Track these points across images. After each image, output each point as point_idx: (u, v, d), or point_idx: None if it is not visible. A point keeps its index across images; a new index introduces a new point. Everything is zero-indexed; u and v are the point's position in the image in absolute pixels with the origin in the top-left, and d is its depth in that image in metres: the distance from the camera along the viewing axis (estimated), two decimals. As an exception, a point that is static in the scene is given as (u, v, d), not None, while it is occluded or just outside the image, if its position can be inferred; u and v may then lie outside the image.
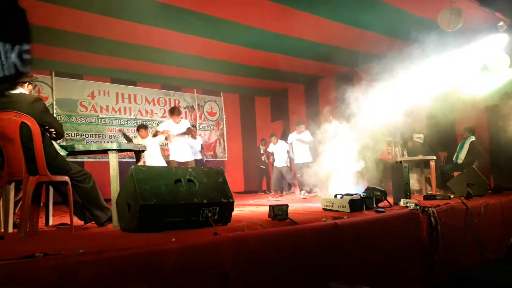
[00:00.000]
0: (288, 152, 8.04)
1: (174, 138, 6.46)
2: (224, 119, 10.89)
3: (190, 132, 6.79)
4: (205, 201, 2.89)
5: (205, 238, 2.43)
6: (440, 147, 7.36)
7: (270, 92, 11.31)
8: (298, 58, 8.04)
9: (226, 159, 10.72)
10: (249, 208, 5.02)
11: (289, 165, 8.07)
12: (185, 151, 6.50)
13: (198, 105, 10.37)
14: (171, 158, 6.49)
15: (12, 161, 2.89)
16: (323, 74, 9.59)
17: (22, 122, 2.80)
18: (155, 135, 6.56)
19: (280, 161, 7.90)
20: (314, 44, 7.28)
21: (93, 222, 3.37)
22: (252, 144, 11.06)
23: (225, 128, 10.87)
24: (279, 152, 7.97)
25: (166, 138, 6.96)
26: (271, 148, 8.13)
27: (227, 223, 3.04)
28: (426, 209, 3.67)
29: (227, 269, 2.31)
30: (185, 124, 6.63)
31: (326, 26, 6.39)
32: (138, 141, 7.29)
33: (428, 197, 4.91)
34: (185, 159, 6.45)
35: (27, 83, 3.10)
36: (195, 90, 10.37)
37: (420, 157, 6.51)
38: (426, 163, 6.67)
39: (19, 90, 3.00)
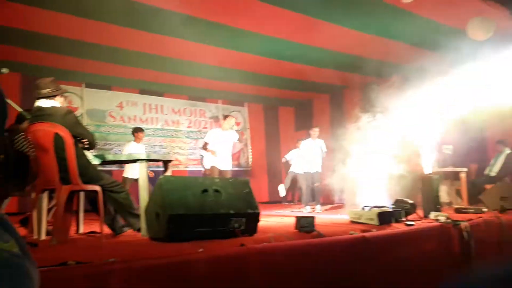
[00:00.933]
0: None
1: (219, 146, 6.43)
2: (248, 129, 10.93)
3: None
4: (231, 212, 2.90)
5: (232, 249, 2.43)
6: (470, 159, 7.15)
7: (294, 102, 11.29)
8: (323, 68, 8.01)
9: (250, 168, 10.73)
10: (275, 219, 5.00)
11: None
12: (228, 159, 6.52)
13: (223, 115, 10.45)
14: (212, 165, 6.42)
15: (46, 170, 2.98)
16: (349, 84, 9.51)
17: (56, 133, 2.90)
18: (204, 148, 6.59)
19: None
20: (340, 55, 7.25)
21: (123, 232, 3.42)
22: (276, 154, 11.04)
23: (249, 138, 10.90)
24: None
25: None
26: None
27: (253, 234, 3.03)
28: (458, 222, 3.56)
29: (255, 281, 2.30)
30: (233, 134, 6.63)
31: (352, 36, 6.36)
32: (129, 147, 7.19)
33: (459, 210, 4.76)
34: (226, 167, 6.47)
35: (58, 95, 3.21)
36: (219, 100, 10.48)
37: (450, 168, 6.34)
38: (456, 175, 6.49)
39: (51, 103, 3.11)
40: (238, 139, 6.74)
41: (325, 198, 10.24)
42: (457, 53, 5.57)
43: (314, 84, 9.32)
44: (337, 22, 5.87)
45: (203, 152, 8.03)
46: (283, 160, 9.59)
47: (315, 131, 7.47)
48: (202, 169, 8.08)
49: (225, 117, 6.75)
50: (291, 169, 7.92)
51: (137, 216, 3.38)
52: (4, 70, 2.97)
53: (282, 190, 8.29)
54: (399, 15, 5.62)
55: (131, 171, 6.72)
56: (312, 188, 7.16)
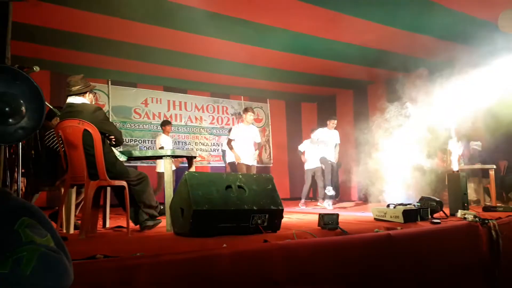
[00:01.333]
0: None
1: (244, 141, 6.45)
2: (270, 126, 10.93)
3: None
4: (255, 208, 2.91)
5: (256, 245, 2.44)
6: (500, 155, 6.93)
7: (317, 98, 11.21)
8: (347, 63, 7.91)
9: (271, 165, 10.73)
10: (297, 216, 4.99)
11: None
12: (253, 155, 6.53)
13: (243, 109, 10.48)
14: (240, 161, 6.42)
15: (75, 166, 3.07)
16: (373, 79, 9.36)
17: (85, 130, 2.98)
18: (229, 145, 6.61)
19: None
20: (364, 49, 7.13)
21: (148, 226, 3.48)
22: (297, 150, 10.99)
23: (271, 134, 10.90)
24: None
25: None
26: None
27: (277, 230, 3.04)
28: (486, 221, 3.46)
29: (278, 278, 2.31)
30: (255, 130, 6.63)
31: (377, 31, 6.25)
32: (161, 139, 7.53)
33: (487, 208, 4.64)
34: (253, 163, 6.48)
35: (88, 92, 3.29)
36: (242, 97, 10.50)
37: (478, 165, 6.17)
38: (485, 173, 6.31)
39: (81, 100, 3.19)
40: (260, 138, 6.72)
41: (346, 195, 10.18)
42: (487, 46, 5.40)
43: (337, 79, 9.22)
44: (363, 16, 5.77)
45: (224, 146, 8.11)
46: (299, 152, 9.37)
47: (332, 122, 7.42)
48: (223, 164, 8.12)
49: (245, 110, 6.69)
50: (307, 167, 7.76)
51: (155, 208, 3.43)
52: (36, 68, 3.06)
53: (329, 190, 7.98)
54: (427, 8, 5.48)
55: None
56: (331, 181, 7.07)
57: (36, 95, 1.01)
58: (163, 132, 7.64)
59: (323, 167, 7.23)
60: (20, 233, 0.94)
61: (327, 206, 6.86)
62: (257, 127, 10.48)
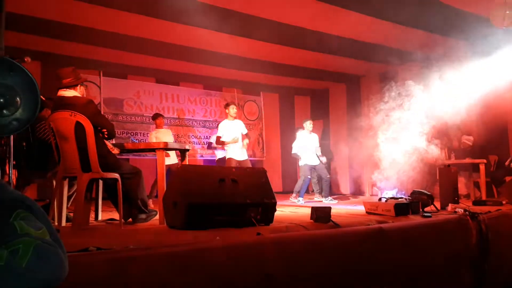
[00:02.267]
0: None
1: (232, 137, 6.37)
2: (263, 119, 10.92)
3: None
4: (248, 201, 2.92)
5: (249, 238, 2.46)
6: (490, 150, 7.01)
7: (310, 91, 11.21)
8: (340, 56, 7.91)
9: (264, 158, 10.74)
10: (290, 209, 5.02)
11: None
12: (243, 150, 6.50)
13: (238, 104, 10.44)
14: (229, 156, 6.37)
15: (67, 158, 3.05)
16: (366, 73, 9.40)
17: (77, 122, 2.95)
18: (220, 143, 6.53)
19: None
20: (357, 43, 7.14)
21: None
22: (291, 143, 11.01)
23: (264, 128, 10.90)
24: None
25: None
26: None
27: (269, 223, 3.06)
28: (476, 215, 3.51)
29: (270, 270, 2.32)
30: (240, 123, 6.57)
31: (370, 24, 6.24)
32: (154, 134, 7.31)
33: (477, 202, 4.70)
34: (244, 157, 6.45)
35: (79, 85, 3.26)
36: (235, 90, 10.46)
37: (468, 160, 6.24)
38: (475, 167, 6.38)
39: (72, 93, 3.16)
40: (246, 133, 6.65)
41: (336, 188, 10.25)
42: (479, 41, 5.43)
43: (330, 73, 9.23)
44: (356, 9, 5.76)
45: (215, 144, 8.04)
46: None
47: (309, 124, 7.37)
48: (216, 157, 8.10)
49: (227, 105, 6.57)
50: (304, 162, 7.62)
51: (145, 204, 3.43)
52: (27, 60, 3.03)
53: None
54: (420, 2, 5.50)
55: (234, 153, 6.49)
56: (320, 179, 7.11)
57: (31, 87, 1.01)
58: (156, 127, 7.44)
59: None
60: (15, 225, 0.95)
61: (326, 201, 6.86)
62: (250, 120, 10.53)
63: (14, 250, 0.88)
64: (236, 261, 2.25)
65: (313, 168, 7.16)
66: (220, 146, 6.75)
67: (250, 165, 6.39)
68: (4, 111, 0.98)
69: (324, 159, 7.44)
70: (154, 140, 7.03)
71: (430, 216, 3.49)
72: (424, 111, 5.55)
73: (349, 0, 5.48)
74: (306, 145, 7.23)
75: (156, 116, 7.49)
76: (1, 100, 0.98)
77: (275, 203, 3.08)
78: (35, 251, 0.90)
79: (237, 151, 6.34)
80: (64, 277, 0.95)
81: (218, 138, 6.44)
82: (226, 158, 6.43)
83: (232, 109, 6.40)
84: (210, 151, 9.55)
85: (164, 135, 7.18)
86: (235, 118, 6.47)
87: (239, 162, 6.26)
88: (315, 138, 7.41)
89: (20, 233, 0.93)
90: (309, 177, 7.14)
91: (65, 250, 1.02)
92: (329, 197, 6.84)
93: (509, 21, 4.98)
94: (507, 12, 4.95)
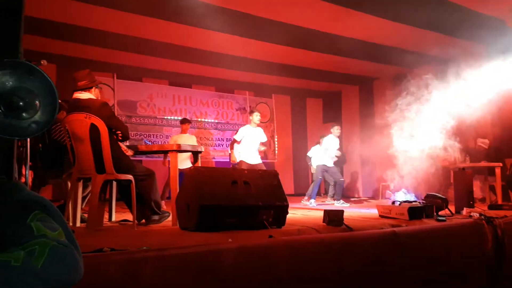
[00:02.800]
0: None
1: (251, 143, 6.43)
2: (275, 121, 10.92)
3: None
4: (260, 204, 2.92)
5: (261, 240, 2.45)
6: (507, 153, 6.89)
7: (322, 93, 11.17)
8: (353, 59, 7.88)
9: (276, 160, 10.73)
10: (302, 212, 5.00)
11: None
12: (257, 153, 6.51)
13: (250, 106, 10.47)
14: (240, 159, 6.41)
15: (82, 160, 3.09)
16: (379, 76, 9.33)
17: (92, 124, 2.99)
18: (232, 145, 6.58)
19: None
20: (370, 45, 7.10)
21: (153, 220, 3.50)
22: (302, 146, 11.00)
23: (275, 130, 10.89)
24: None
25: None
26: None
27: (281, 226, 3.05)
28: (492, 219, 3.45)
29: (282, 273, 2.32)
30: (260, 131, 6.61)
31: (385, 26, 6.21)
32: (175, 138, 7.32)
33: (493, 206, 4.62)
34: (257, 161, 6.48)
35: (94, 87, 3.30)
36: (247, 92, 10.49)
37: (484, 163, 6.14)
38: (491, 170, 6.27)
39: (87, 96, 3.21)
40: (265, 137, 6.69)
41: (351, 191, 10.18)
42: (495, 43, 5.35)
43: (343, 75, 9.19)
44: (370, 11, 5.73)
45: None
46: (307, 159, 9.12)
47: (336, 130, 7.32)
48: (228, 159, 8.11)
49: (251, 112, 6.67)
50: (317, 163, 7.54)
51: (159, 206, 3.45)
52: (43, 62, 3.08)
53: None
54: (435, 4, 5.45)
55: (247, 156, 6.54)
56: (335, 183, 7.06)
57: (50, 90, 1.03)
58: (181, 132, 7.41)
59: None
60: (32, 226, 0.96)
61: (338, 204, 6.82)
62: (262, 122, 10.52)
63: (30, 251, 0.89)
64: (248, 263, 2.25)
65: (325, 170, 7.12)
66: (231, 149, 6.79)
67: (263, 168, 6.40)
68: (24, 114, 1.01)
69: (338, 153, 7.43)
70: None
71: (444, 220, 3.44)
72: (439, 114, 5.49)
73: (362, 2, 5.46)
74: (330, 148, 7.21)
75: (184, 121, 7.39)
76: (21, 103, 1.00)
77: (287, 206, 3.07)
78: (51, 252, 0.91)
79: (250, 155, 6.37)
80: (79, 278, 0.96)
81: (234, 141, 6.50)
82: (238, 160, 6.45)
83: (256, 116, 6.46)
84: (221, 153, 9.59)
85: (186, 141, 7.04)
86: (257, 125, 6.51)
87: (251, 165, 6.29)
88: (337, 142, 7.36)
89: (37, 234, 0.94)
90: (320, 177, 7.10)
91: (80, 251, 1.03)
92: (341, 200, 6.79)
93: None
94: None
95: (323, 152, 7.20)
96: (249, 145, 6.38)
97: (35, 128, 1.01)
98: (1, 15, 1.76)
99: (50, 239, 0.94)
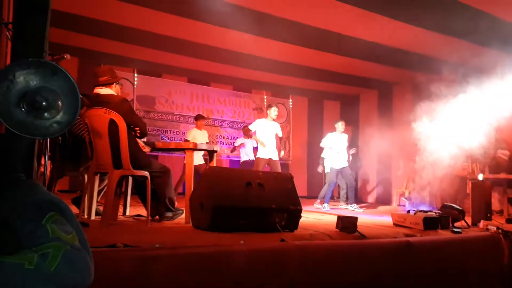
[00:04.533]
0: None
1: (267, 136, 6.45)
2: (291, 122, 10.88)
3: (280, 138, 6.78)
4: (273, 206, 2.92)
5: (273, 243, 2.45)
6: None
7: (340, 96, 11.08)
8: (373, 63, 7.78)
9: (290, 161, 10.70)
10: (314, 215, 4.98)
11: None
12: (274, 147, 6.48)
13: (267, 106, 10.47)
14: (258, 156, 6.44)
15: (99, 154, 3.13)
16: (399, 81, 9.19)
17: (111, 119, 3.03)
18: (248, 135, 6.64)
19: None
20: (391, 49, 6.99)
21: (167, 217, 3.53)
22: (318, 148, 10.91)
23: (291, 131, 10.86)
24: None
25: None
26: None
27: (294, 230, 3.04)
28: (509, 233, 3.37)
29: (294, 277, 2.31)
30: (277, 125, 6.62)
31: (406, 31, 6.11)
32: (193, 133, 7.53)
33: (511, 220, 4.51)
34: (276, 157, 6.46)
35: (114, 83, 3.34)
36: (264, 92, 10.48)
37: (503, 175, 6.00)
38: (510, 182, 6.13)
39: (108, 91, 3.25)
40: (281, 132, 6.72)
41: (365, 197, 10.08)
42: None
43: (362, 78, 9.08)
44: (392, 15, 5.65)
45: (241, 140, 8.10)
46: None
47: (341, 125, 7.22)
48: (240, 159, 8.13)
49: (269, 106, 6.71)
50: (332, 166, 7.43)
51: (173, 203, 3.48)
52: (66, 56, 3.14)
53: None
54: (459, 10, 5.32)
55: (265, 152, 6.57)
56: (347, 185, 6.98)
57: (73, 91, 1.04)
58: (196, 127, 7.67)
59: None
60: (48, 228, 0.97)
61: (352, 208, 6.73)
62: (278, 122, 10.49)
63: (44, 254, 0.90)
64: (259, 266, 2.25)
65: (339, 173, 7.04)
66: (244, 138, 6.75)
67: (279, 167, 6.38)
68: (46, 114, 1.02)
69: (352, 151, 7.34)
70: (191, 137, 7.38)
71: (460, 232, 3.38)
72: (459, 123, 5.39)
73: (385, 6, 5.38)
74: (335, 146, 7.12)
75: (198, 117, 7.69)
76: (44, 103, 1.01)
77: (300, 210, 3.06)
78: (64, 256, 0.92)
79: (269, 151, 6.35)
80: (90, 283, 0.97)
81: (248, 129, 6.50)
82: (256, 157, 6.46)
83: (274, 111, 6.52)
84: (236, 152, 9.60)
85: (201, 136, 7.49)
86: (274, 120, 6.50)
87: (268, 161, 6.26)
88: (344, 139, 7.26)
89: (52, 236, 0.95)
90: (335, 181, 7.03)
91: (91, 254, 1.04)
92: (354, 204, 6.73)
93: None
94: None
95: (333, 153, 7.12)
96: (266, 139, 6.36)
97: (57, 128, 1.02)
98: (27, 14, 1.80)
99: (64, 243, 0.95)
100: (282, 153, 6.67)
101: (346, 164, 7.02)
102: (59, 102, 1.02)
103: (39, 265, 0.88)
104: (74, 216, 1.09)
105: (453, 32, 6.08)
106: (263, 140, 6.35)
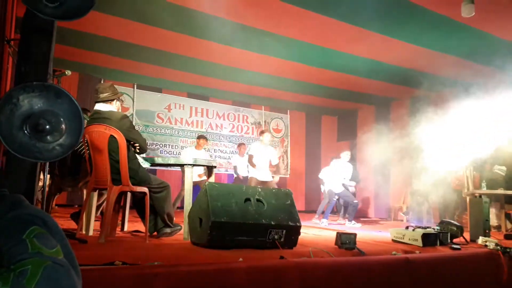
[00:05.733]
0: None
1: (260, 160, 6.47)
2: (289, 136, 10.92)
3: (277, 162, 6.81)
4: (272, 223, 2.92)
5: (272, 261, 2.44)
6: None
7: (338, 111, 11.16)
8: (371, 79, 7.87)
9: (288, 176, 10.71)
10: (313, 231, 4.96)
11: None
12: (267, 170, 6.54)
13: (265, 121, 10.52)
14: (251, 175, 6.47)
15: (99, 170, 3.14)
16: (396, 96, 9.28)
17: (111, 135, 3.05)
18: (250, 161, 6.64)
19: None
20: (389, 66, 7.09)
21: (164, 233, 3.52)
22: (315, 162, 10.95)
23: (289, 145, 10.89)
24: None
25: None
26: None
27: (293, 247, 3.03)
28: (508, 250, 3.38)
29: (293, 295, 2.30)
30: (273, 152, 6.65)
31: (405, 49, 6.20)
32: (188, 151, 7.26)
33: (509, 236, 4.51)
34: (268, 178, 6.49)
35: (115, 100, 3.37)
36: (263, 107, 10.55)
37: (501, 190, 6.01)
38: (507, 198, 6.14)
39: (108, 108, 3.27)
40: (276, 160, 6.73)
41: (364, 212, 10.06)
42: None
43: (360, 94, 9.18)
44: (389, 33, 5.74)
45: (235, 162, 8.07)
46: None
47: (347, 155, 7.27)
48: (235, 174, 8.10)
49: (261, 132, 6.77)
50: (329, 188, 7.19)
51: (171, 219, 3.47)
52: (67, 72, 3.17)
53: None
54: (454, 28, 5.42)
55: (257, 172, 6.56)
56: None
57: (76, 114, 1.06)
58: (196, 146, 7.31)
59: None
60: (27, 242, 0.91)
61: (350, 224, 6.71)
62: (276, 137, 10.54)
63: (22, 271, 0.84)
64: (258, 284, 2.24)
65: (336, 195, 7.02)
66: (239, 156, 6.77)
67: (275, 186, 6.37)
68: (48, 137, 1.02)
69: (352, 184, 7.35)
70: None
71: (459, 249, 3.37)
72: (456, 138, 5.42)
73: (381, 24, 5.47)
74: (335, 174, 7.12)
75: (200, 137, 7.36)
76: (47, 126, 1.01)
77: (299, 227, 3.05)
78: (45, 272, 0.85)
79: (261, 171, 6.38)
80: None
81: (251, 157, 6.51)
82: (248, 177, 6.48)
83: (267, 137, 6.56)
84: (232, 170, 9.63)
85: (198, 156, 7.03)
86: (268, 145, 6.60)
87: (261, 182, 6.29)
88: (348, 169, 7.22)
89: (31, 251, 0.89)
90: (335, 199, 7.01)
91: (79, 269, 0.97)
92: (353, 221, 6.71)
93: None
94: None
95: (333, 177, 7.11)
96: (258, 162, 6.40)
97: (59, 151, 1.02)
98: (32, 36, 1.83)
99: (45, 258, 0.89)
100: (277, 178, 6.67)
101: (340, 189, 6.95)
102: (63, 126, 1.03)
103: (16, 284, 0.81)
104: (60, 230, 1.02)
105: (448, 49, 6.17)
106: (256, 163, 6.39)
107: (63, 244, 0.97)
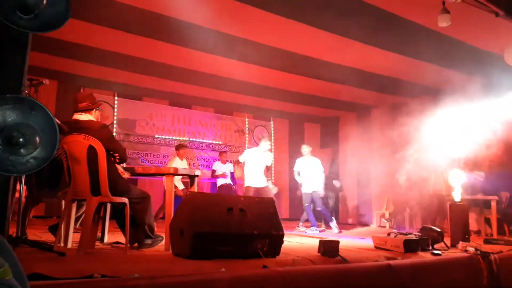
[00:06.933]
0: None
1: (256, 166, 6.43)
2: (273, 144, 10.94)
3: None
4: (255, 232, 2.90)
5: (255, 270, 2.42)
6: (502, 187, 6.89)
7: (320, 119, 11.26)
8: (352, 87, 7.97)
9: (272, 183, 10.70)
10: (297, 239, 4.96)
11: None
12: (262, 176, 6.48)
13: (248, 129, 10.52)
14: (247, 184, 6.39)
15: (77, 181, 3.07)
16: (377, 104, 9.43)
17: (90, 145, 2.99)
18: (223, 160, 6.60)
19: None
20: (369, 74, 7.20)
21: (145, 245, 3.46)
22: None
23: (273, 153, 10.90)
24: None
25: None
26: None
27: (276, 256, 3.01)
28: (487, 254, 3.44)
29: (276, 305, 2.28)
30: (268, 156, 6.59)
31: (384, 57, 6.31)
32: (177, 164, 7.11)
33: (489, 241, 4.60)
34: (263, 184, 6.45)
35: (94, 109, 3.32)
36: (246, 114, 10.56)
37: (480, 196, 6.14)
38: (486, 203, 6.27)
39: (87, 117, 3.22)
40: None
41: (344, 218, 10.13)
42: (493, 78, 5.42)
43: (341, 102, 9.29)
44: (369, 42, 5.84)
45: (214, 166, 8.09)
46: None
47: (306, 148, 7.26)
48: (230, 182, 8.08)
49: (262, 137, 6.91)
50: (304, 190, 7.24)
51: (152, 230, 3.41)
52: (45, 82, 3.11)
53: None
54: (434, 37, 5.55)
55: (253, 180, 6.45)
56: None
57: (51, 126, 1.03)
58: (177, 156, 7.22)
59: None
60: None
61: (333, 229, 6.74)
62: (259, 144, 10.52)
63: None
64: (241, 294, 2.22)
65: (310, 196, 7.01)
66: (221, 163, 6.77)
67: (270, 192, 6.34)
68: (22, 150, 0.99)
69: (337, 184, 7.41)
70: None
71: (440, 254, 3.42)
72: (436, 145, 5.53)
73: (361, 32, 5.55)
74: (302, 171, 7.14)
75: (179, 147, 7.27)
76: (21, 139, 0.98)
77: (282, 235, 3.04)
78: None
79: (256, 179, 6.33)
80: None
81: (237, 161, 6.54)
82: (244, 186, 6.43)
83: (265, 143, 6.50)
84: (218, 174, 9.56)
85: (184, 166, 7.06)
86: (266, 151, 6.55)
87: (257, 189, 6.24)
88: (314, 163, 7.18)
89: None
90: (306, 204, 7.01)
91: None
92: (313, 227, 6.71)
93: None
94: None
95: (304, 177, 7.12)
96: (254, 170, 6.34)
97: (34, 164, 0.99)
98: (6, 48, 1.78)
99: None
100: (270, 183, 6.70)
101: (317, 188, 6.93)
102: (37, 138, 1.00)
103: None
104: (9, 248, 0.98)
105: (427, 58, 6.31)
106: (251, 170, 6.35)
107: (13, 262, 0.93)
